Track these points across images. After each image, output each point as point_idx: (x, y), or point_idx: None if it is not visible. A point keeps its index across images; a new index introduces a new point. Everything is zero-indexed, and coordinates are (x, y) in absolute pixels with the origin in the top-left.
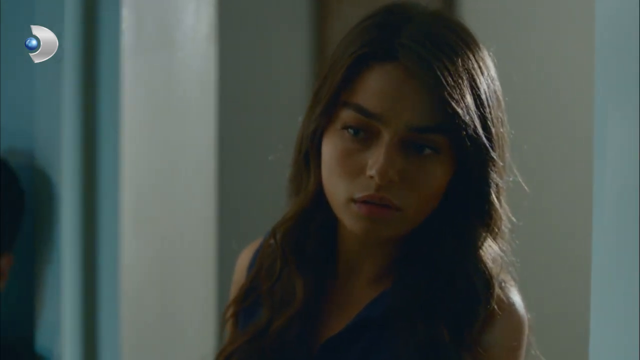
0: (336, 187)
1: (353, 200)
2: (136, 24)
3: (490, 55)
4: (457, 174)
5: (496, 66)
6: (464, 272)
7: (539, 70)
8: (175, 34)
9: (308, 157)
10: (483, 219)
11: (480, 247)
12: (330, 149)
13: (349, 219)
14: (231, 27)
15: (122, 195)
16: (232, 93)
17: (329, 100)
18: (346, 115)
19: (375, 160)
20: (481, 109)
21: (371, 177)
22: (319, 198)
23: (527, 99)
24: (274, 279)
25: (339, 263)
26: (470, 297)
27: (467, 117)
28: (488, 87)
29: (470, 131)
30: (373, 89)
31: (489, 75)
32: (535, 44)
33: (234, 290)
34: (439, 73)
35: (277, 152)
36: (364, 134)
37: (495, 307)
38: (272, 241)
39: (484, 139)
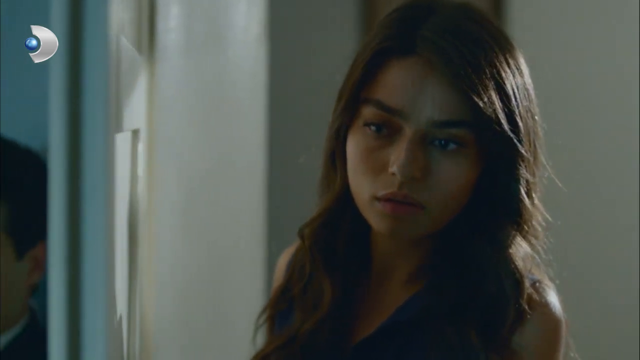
0: (360, 185)
1: (376, 199)
2: (187, 23)
3: (520, 51)
4: (485, 170)
5: (533, 62)
6: (493, 273)
7: (583, 66)
8: (226, 33)
9: (334, 156)
10: (512, 216)
11: (510, 246)
12: (353, 146)
13: (373, 218)
14: (282, 27)
15: (172, 196)
16: (283, 93)
17: (350, 96)
18: (367, 111)
19: (396, 156)
20: (507, 103)
21: (393, 174)
22: (346, 197)
23: (572, 94)
24: (304, 281)
25: (373, 265)
26: (500, 297)
27: (490, 111)
28: (515, 80)
29: (495, 125)
30: (393, 83)
31: (516, 68)
32: (582, 41)
33: (273, 292)
34: (459, 66)
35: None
36: (386, 130)
37: (526, 307)
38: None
39: (510, 133)
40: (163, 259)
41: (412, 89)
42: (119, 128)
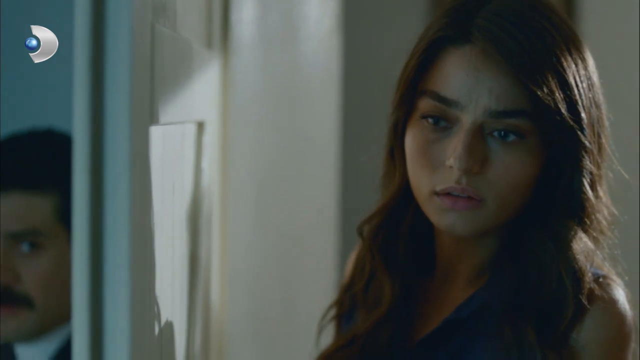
0: (419, 180)
1: (435, 193)
2: (260, 17)
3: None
4: (547, 163)
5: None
6: (553, 268)
7: None
8: (300, 27)
9: (393, 151)
10: (575, 210)
11: (572, 241)
12: (410, 140)
13: (433, 213)
14: (355, 20)
15: (244, 188)
16: (356, 85)
17: (406, 89)
18: (424, 104)
19: (453, 149)
20: (568, 92)
21: (451, 167)
22: (406, 193)
23: None
24: (365, 280)
25: (436, 263)
26: (559, 293)
27: (549, 99)
28: (578, 70)
29: (555, 114)
30: (449, 74)
31: (579, 58)
32: None
33: (339, 291)
34: (515, 53)
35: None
36: (444, 122)
37: (586, 303)
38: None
39: (571, 122)
40: (236, 251)
41: (467, 79)
42: (153, 120)
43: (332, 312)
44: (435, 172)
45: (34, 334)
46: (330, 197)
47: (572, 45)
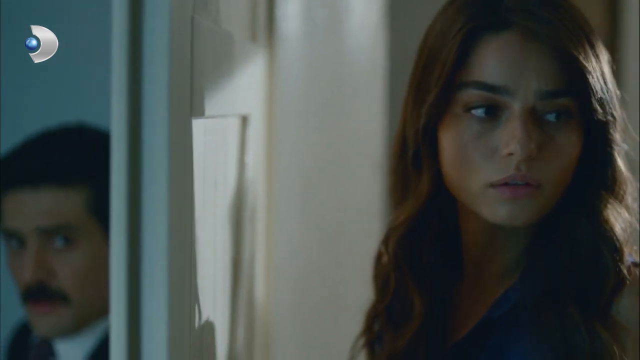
0: (467, 176)
1: (491, 185)
2: (306, 10)
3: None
4: (585, 140)
5: None
6: (591, 242)
7: None
8: (345, 21)
9: (418, 156)
10: (609, 184)
11: (608, 213)
12: (453, 137)
13: (489, 207)
14: (401, 14)
15: (289, 183)
16: (402, 80)
17: (444, 85)
18: (466, 96)
19: (510, 135)
20: (602, 67)
21: (509, 154)
22: (436, 197)
23: None
24: (389, 295)
25: (465, 263)
26: (599, 266)
27: (595, 74)
28: (602, 45)
29: (599, 90)
30: (493, 61)
31: (597, 36)
32: None
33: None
34: (558, 33)
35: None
36: (488, 113)
37: (625, 272)
38: (384, 255)
39: (608, 97)
40: (280, 246)
41: (513, 63)
42: (193, 113)
43: (362, 341)
44: (489, 164)
45: (72, 330)
46: (375, 192)
47: (591, 26)
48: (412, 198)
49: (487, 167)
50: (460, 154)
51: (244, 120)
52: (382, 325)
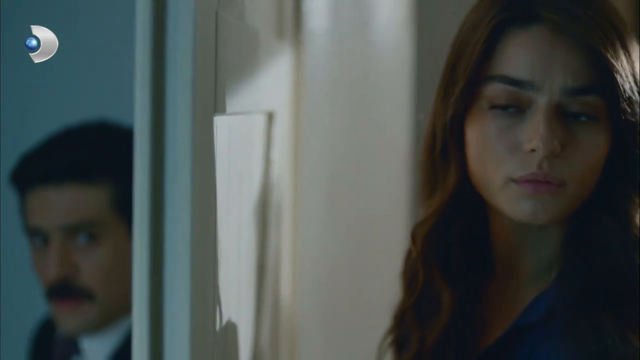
0: (489, 170)
1: (513, 180)
2: (333, 7)
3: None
4: (613, 141)
5: None
6: (627, 253)
7: None
8: (372, 18)
9: (445, 149)
10: (637, 187)
11: (637, 218)
12: (478, 131)
13: (510, 203)
14: (429, 11)
15: (316, 179)
16: (429, 78)
17: (470, 78)
18: (492, 90)
19: (534, 131)
20: (633, 66)
21: (532, 150)
22: (463, 191)
23: None
24: (417, 292)
25: (495, 262)
26: (630, 272)
27: (624, 73)
28: (637, 44)
29: (627, 90)
30: (520, 55)
31: (632, 34)
32: None
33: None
34: (589, 29)
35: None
36: (513, 108)
37: None
38: (411, 249)
39: (639, 97)
40: (306, 244)
41: (541, 58)
42: (218, 109)
43: (389, 339)
44: (512, 159)
45: (97, 327)
46: (402, 190)
47: (624, 22)
48: (440, 192)
49: (509, 161)
50: (484, 147)
51: (270, 116)
52: (409, 323)
